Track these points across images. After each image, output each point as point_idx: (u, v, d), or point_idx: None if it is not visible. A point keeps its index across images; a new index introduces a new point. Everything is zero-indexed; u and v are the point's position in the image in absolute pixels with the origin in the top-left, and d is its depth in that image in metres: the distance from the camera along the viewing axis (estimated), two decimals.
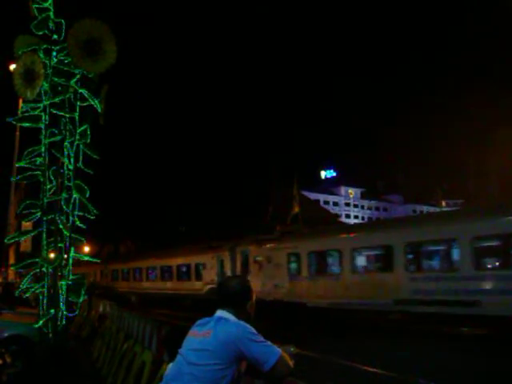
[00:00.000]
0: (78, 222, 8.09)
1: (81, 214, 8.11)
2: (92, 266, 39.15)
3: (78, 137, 8.14)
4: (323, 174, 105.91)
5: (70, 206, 7.94)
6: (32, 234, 8.55)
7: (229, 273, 23.35)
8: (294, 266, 20.00)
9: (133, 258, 37.97)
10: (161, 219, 52.21)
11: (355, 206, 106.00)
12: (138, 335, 7.29)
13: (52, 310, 7.62)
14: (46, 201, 7.86)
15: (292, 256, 20.07)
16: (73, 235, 7.98)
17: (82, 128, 8.21)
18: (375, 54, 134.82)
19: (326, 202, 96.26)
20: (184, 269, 28.70)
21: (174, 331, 4.07)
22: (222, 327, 2.48)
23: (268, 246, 21.51)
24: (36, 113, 8.06)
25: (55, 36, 8.06)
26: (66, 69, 8.04)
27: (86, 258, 10.73)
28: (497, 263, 13.73)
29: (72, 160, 8.05)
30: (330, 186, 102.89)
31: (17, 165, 9.60)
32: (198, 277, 26.64)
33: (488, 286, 12.76)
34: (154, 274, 32.23)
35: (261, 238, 22.52)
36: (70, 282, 7.85)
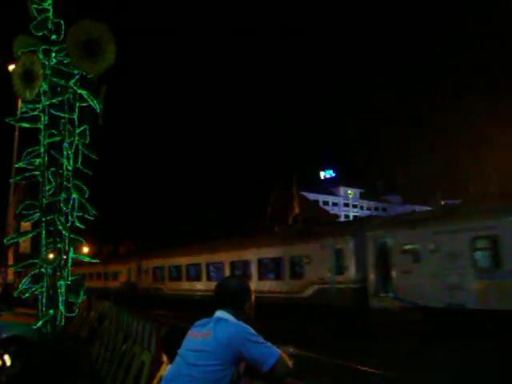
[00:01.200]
0: (77, 223, 8.10)
1: (80, 214, 8.11)
2: (124, 263, 35.61)
3: (77, 137, 8.15)
4: (322, 174, 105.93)
5: (69, 206, 7.94)
6: (31, 235, 8.55)
7: (352, 268, 17.37)
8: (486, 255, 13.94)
9: (184, 251, 28.55)
10: (160, 219, 52.18)
11: (354, 206, 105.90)
12: (137, 336, 7.29)
13: (51, 311, 7.62)
14: (45, 201, 7.87)
15: (482, 241, 13.92)
16: (72, 236, 7.99)
17: (81, 128, 8.21)
18: (375, 53, 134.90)
19: (326, 203, 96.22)
20: (270, 264, 22.02)
21: (173, 332, 4.05)
22: (221, 328, 2.48)
23: (433, 227, 14.86)
24: (35, 113, 8.07)
25: (54, 36, 8.07)
26: (65, 69, 8.05)
27: (86, 259, 10.74)
28: None
29: (71, 160, 8.06)
30: (329, 187, 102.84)
31: (16, 165, 9.62)
32: (296, 274, 20.22)
33: None
34: (219, 271, 24.80)
35: (415, 218, 16.90)
36: (68, 283, 7.85)
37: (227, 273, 23.43)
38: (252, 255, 22.44)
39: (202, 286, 25.37)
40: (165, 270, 29.66)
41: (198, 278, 26.47)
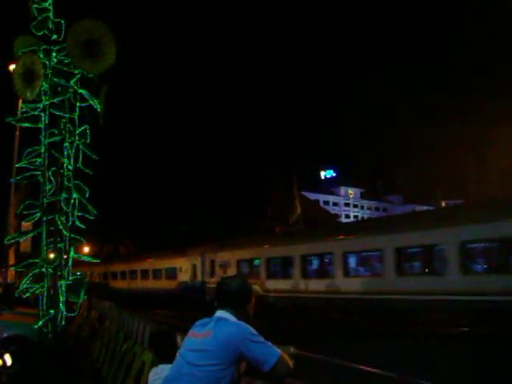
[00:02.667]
0: (77, 223, 8.10)
1: (80, 214, 8.11)
2: (181, 257, 27.34)
3: (77, 137, 8.15)
4: (323, 174, 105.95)
5: (70, 206, 7.95)
6: (32, 235, 8.55)
7: None
8: None
9: (300, 237, 21.71)
10: (160, 219, 52.18)
11: (355, 206, 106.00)
12: (138, 336, 7.29)
13: (52, 311, 7.62)
14: (45, 201, 7.87)
15: None
16: (72, 235, 7.99)
17: (82, 128, 8.22)
18: (375, 53, 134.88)
19: (326, 203, 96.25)
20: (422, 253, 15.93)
21: (160, 333, 4.10)
22: (222, 327, 2.48)
23: None
24: (36, 113, 8.07)
25: (55, 36, 8.07)
26: (65, 69, 8.05)
27: (87, 259, 10.74)
28: None
29: (72, 160, 8.06)
30: (329, 186, 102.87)
31: (16, 165, 9.62)
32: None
33: None
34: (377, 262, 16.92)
35: None
36: (69, 283, 7.85)
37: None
38: (390, 243, 15.81)
39: (329, 284, 17.39)
40: (261, 264, 21.33)
41: (322, 274, 18.52)
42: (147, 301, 25.90)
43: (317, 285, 17.98)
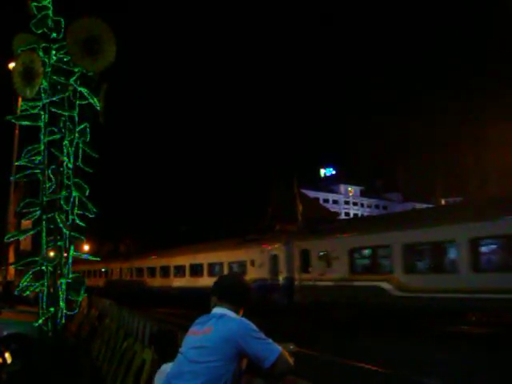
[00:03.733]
0: (77, 221, 8.09)
1: (80, 212, 8.11)
2: (247, 247, 21.99)
3: (77, 135, 8.14)
4: (322, 172, 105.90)
5: (70, 204, 7.94)
6: (32, 233, 8.55)
7: None
8: None
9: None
10: (161, 218, 52.17)
11: (355, 203, 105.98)
12: (138, 334, 7.29)
13: (52, 309, 7.63)
14: (45, 199, 7.87)
15: None
16: (72, 234, 7.98)
17: (82, 126, 8.21)
18: (375, 53, 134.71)
19: (326, 200, 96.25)
20: None
21: (161, 332, 4.10)
22: (223, 324, 2.49)
23: None
24: (35, 111, 8.06)
25: (54, 34, 8.07)
26: (65, 67, 8.04)
27: (87, 257, 10.74)
28: None
29: (71, 158, 8.06)
30: (329, 184, 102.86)
31: (16, 163, 9.61)
32: None
33: None
34: None
35: None
36: (69, 281, 7.86)
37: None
38: None
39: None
40: (392, 252, 15.06)
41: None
42: (201, 304, 21.97)
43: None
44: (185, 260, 26.93)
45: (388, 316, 14.80)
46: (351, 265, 16.62)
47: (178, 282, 27.08)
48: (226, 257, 23.56)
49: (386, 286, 14.89)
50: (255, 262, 21.15)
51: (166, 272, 28.81)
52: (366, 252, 16.82)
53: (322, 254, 17.74)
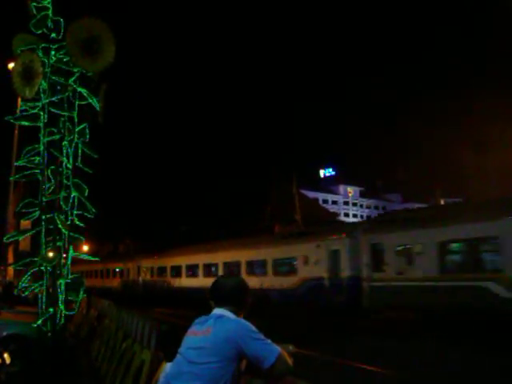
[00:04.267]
0: (76, 221, 8.09)
1: (80, 212, 8.11)
2: (306, 241, 18.83)
3: (76, 135, 8.14)
4: (322, 172, 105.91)
5: (69, 204, 7.94)
6: (31, 233, 8.54)
7: None
8: None
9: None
10: (160, 218, 52.18)
11: (354, 204, 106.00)
12: (137, 334, 7.28)
13: (51, 309, 7.62)
14: (44, 199, 7.86)
15: None
16: (71, 234, 7.98)
17: (81, 127, 8.20)
18: (375, 53, 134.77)
19: (325, 201, 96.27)
20: None
21: (170, 331, 4.07)
22: (222, 324, 2.48)
23: None
24: (35, 111, 8.06)
25: (54, 34, 8.06)
26: (64, 67, 8.04)
27: (86, 257, 10.73)
28: None
29: (71, 159, 8.05)
30: (328, 185, 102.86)
31: (15, 163, 9.60)
32: None
33: None
34: None
35: None
36: (68, 281, 7.85)
37: None
38: None
39: None
40: (503, 245, 12.55)
41: None
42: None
43: None
44: (217, 258, 24.21)
45: (496, 323, 12.18)
46: (441, 261, 14.03)
47: (207, 282, 25.43)
48: (268, 254, 20.84)
49: (493, 286, 12.43)
50: (309, 258, 18.30)
51: (195, 271, 26.09)
52: (463, 246, 14.02)
53: (400, 248, 15.11)
